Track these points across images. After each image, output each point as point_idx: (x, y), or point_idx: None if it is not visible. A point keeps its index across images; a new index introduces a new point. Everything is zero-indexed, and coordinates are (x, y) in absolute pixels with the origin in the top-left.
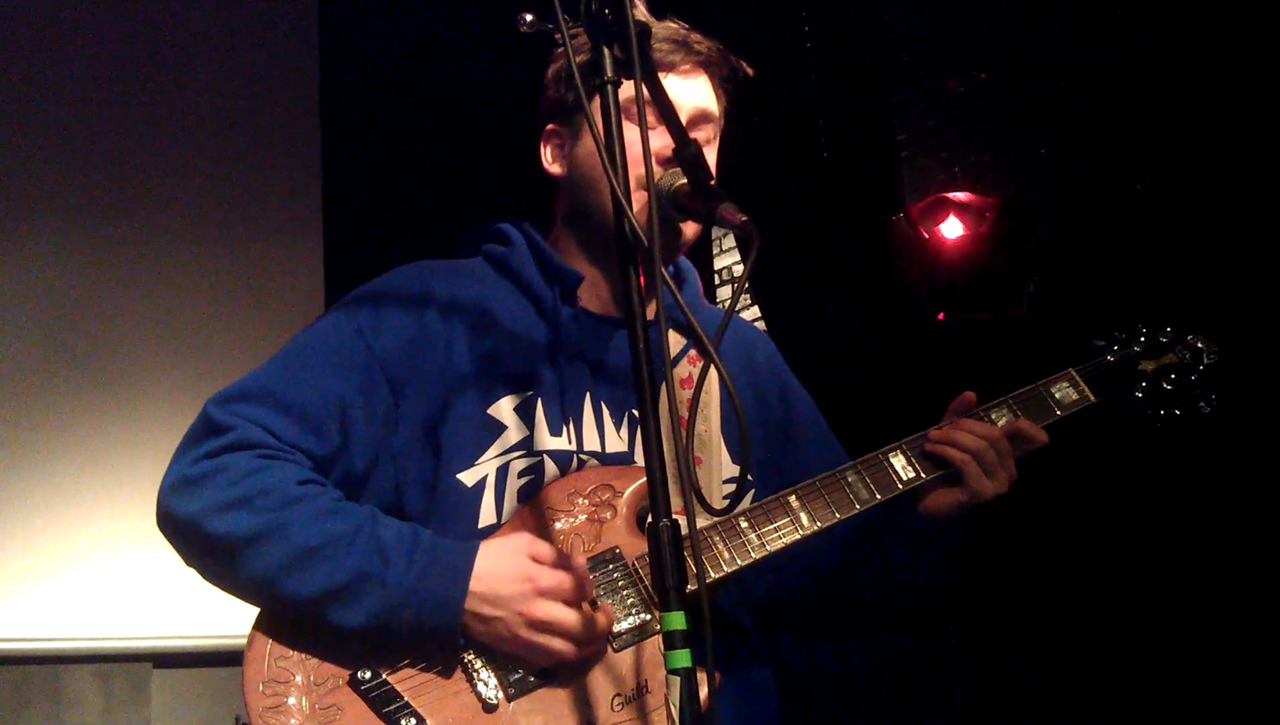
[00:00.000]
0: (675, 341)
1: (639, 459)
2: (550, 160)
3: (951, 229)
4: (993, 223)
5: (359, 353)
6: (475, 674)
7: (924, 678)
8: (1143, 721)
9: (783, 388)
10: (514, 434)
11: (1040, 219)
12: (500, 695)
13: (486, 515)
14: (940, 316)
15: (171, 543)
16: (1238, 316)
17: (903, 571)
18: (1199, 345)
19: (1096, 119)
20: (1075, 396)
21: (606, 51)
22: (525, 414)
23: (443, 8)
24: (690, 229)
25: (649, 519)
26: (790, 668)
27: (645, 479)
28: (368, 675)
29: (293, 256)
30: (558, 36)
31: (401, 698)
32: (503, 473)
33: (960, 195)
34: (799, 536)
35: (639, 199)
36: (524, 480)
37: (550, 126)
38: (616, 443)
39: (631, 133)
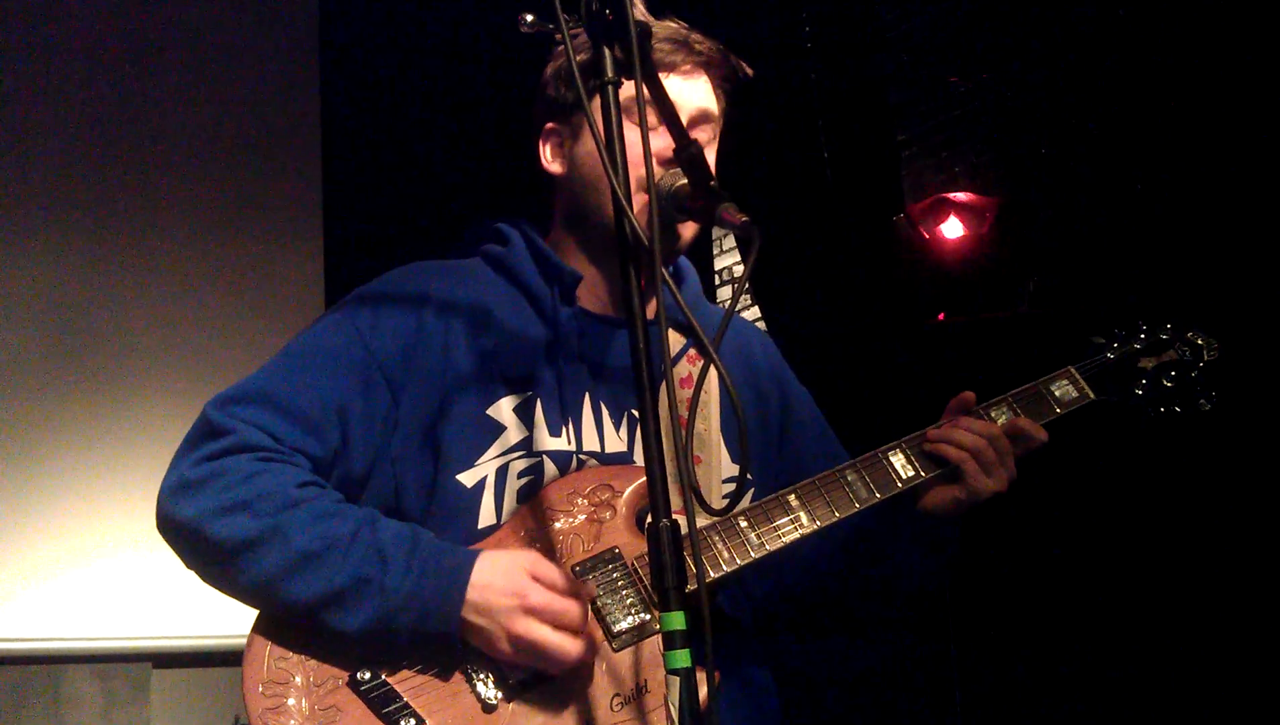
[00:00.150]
0: (675, 341)
1: (638, 459)
2: (549, 159)
3: (951, 229)
4: (993, 223)
5: (358, 354)
6: (474, 674)
7: (924, 678)
8: (1143, 721)
9: (782, 387)
10: (513, 434)
11: (1040, 219)
12: (499, 695)
13: (486, 516)
14: (940, 316)
15: (172, 546)
16: (1238, 314)
17: (902, 570)
18: (1199, 342)
19: (1096, 119)
20: (1075, 394)
21: (607, 51)
22: (524, 414)
23: (443, 8)
24: (690, 229)
25: (649, 519)
26: (790, 668)
27: (645, 479)
28: (367, 676)
29: (293, 257)
30: (558, 36)
31: (401, 698)
32: (502, 473)
33: (960, 195)
34: (798, 536)
35: (639, 199)
36: (524, 481)
37: (549, 125)
38: (616, 442)
39: (632, 133)
